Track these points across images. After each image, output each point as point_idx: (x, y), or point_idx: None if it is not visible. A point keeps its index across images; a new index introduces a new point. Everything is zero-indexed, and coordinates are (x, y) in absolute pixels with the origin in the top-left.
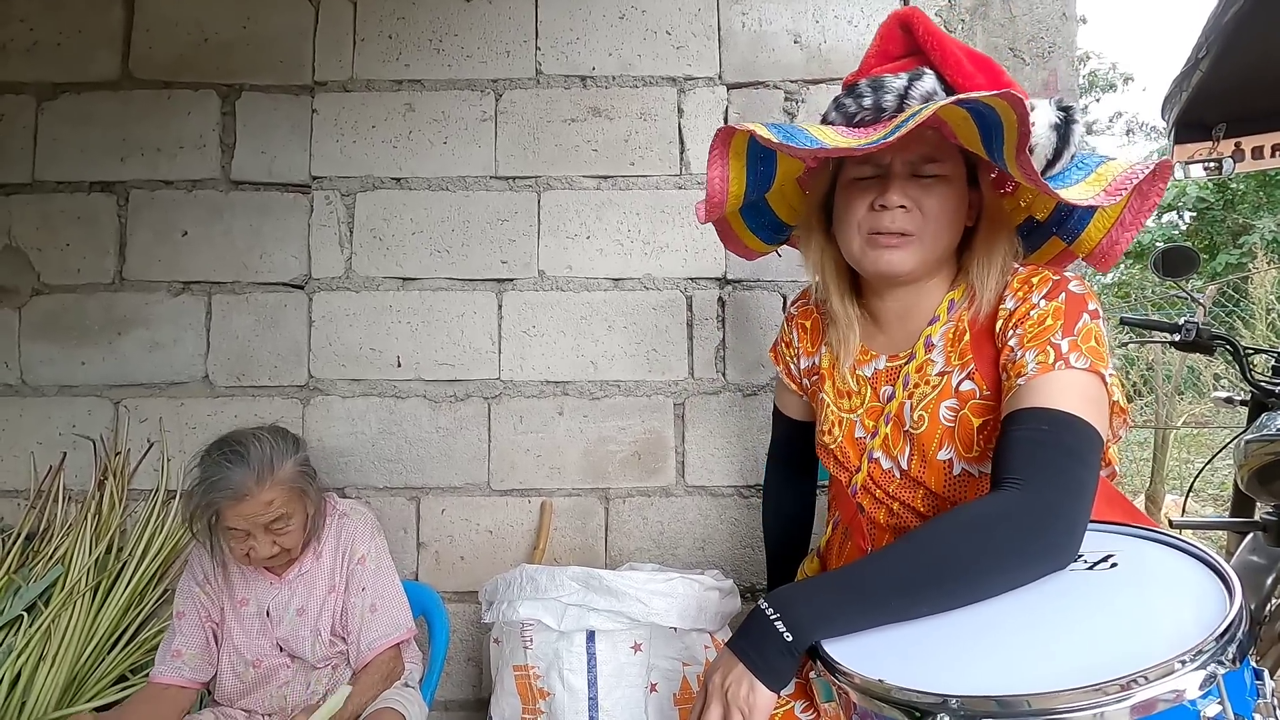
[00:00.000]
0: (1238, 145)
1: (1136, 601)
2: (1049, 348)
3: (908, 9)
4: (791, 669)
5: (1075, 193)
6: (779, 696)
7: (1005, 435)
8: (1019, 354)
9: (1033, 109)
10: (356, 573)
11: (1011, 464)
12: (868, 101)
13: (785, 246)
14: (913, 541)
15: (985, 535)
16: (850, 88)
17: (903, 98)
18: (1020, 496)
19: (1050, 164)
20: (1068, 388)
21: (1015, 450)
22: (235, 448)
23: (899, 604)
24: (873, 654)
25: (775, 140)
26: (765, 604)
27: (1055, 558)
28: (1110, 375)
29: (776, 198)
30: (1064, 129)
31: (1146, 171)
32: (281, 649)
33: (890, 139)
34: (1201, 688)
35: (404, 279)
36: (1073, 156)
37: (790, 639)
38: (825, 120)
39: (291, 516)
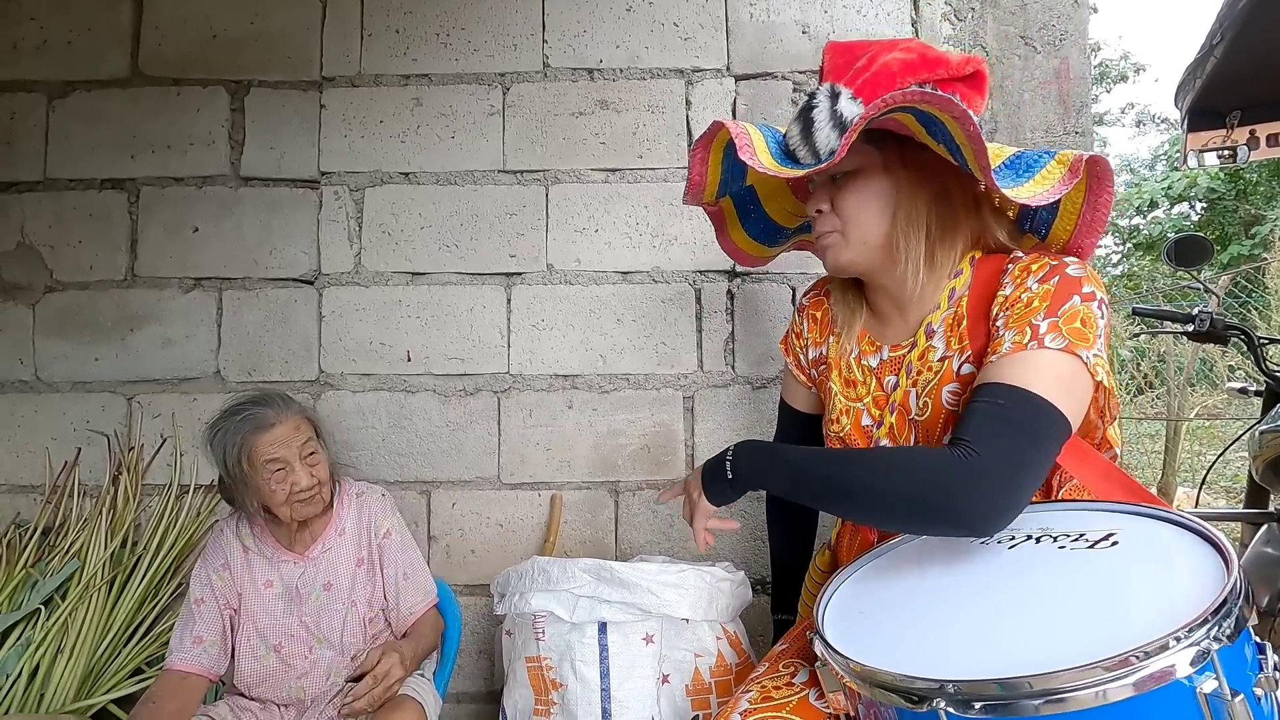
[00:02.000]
0: (1252, 132)
1: (1138, 579)
2: (1027, 328)
3: (829, 45)
4: (730, 496)
5: (1016, 191)
6: (714, 509)
7: (966, 405)
8: (1000, 333)
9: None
10: (385, 547)
11: (962, 428)
12: (794, 129)
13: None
14: (855, 454)
15: (907, 474)
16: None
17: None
18: (955, 455)
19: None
20: (1036, 366)
21: (969, 417)
22: (247, 397)
23: (814, 493)
24: (876, 641)
25: (738, 145)
26: (730, 450)
27: (974, 524)
28: (1093, 357)
29: (771, 203)
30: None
31: (1072, 177)
32: (308, 631)
33: (799, 172)
34: (1194, 663)
35: (413, 274)
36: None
37: (730, 478)
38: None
39: (318, 451)
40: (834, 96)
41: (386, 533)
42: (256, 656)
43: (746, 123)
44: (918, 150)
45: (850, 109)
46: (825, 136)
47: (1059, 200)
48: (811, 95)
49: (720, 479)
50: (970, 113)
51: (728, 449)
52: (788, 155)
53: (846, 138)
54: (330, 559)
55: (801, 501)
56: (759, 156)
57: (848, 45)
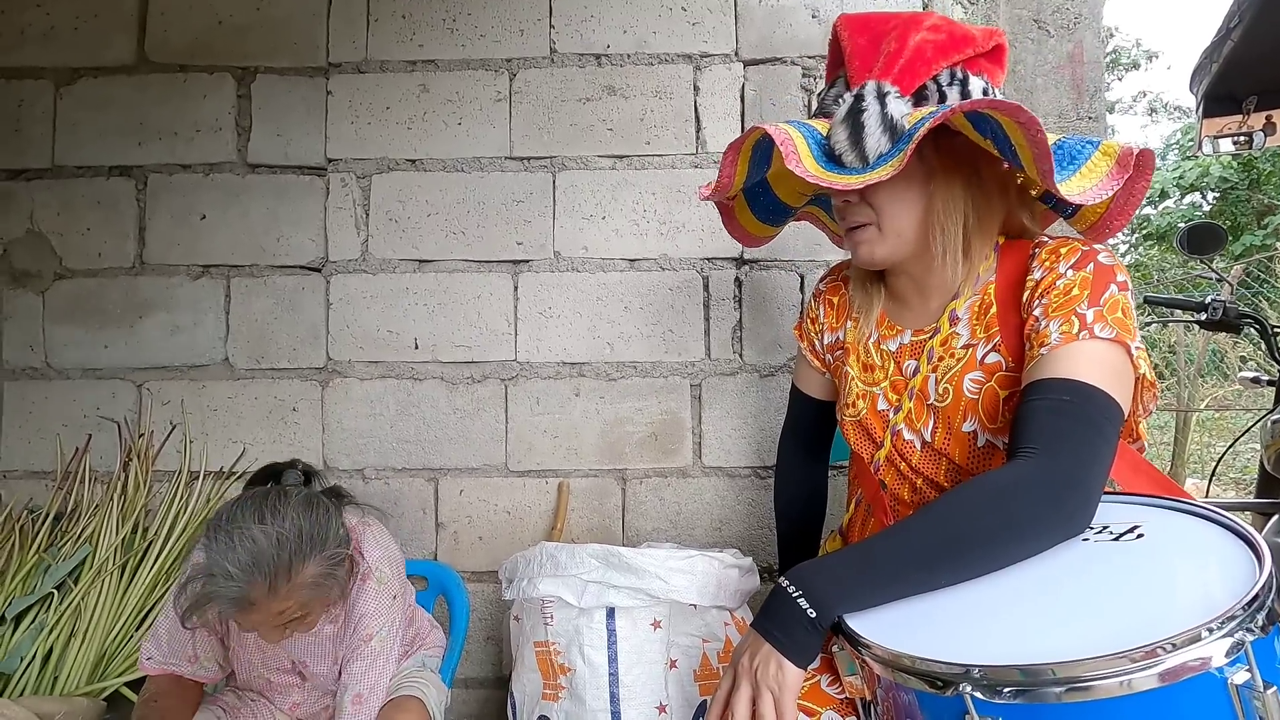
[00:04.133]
0: (1269, 118)
1: (1163, 570)
2: (1074, 317)
3: (841, 18)
4: (817, 645)
5: (1067, 187)
6: (806, 672)
7: (1025, 404)
8: (1043, 323)
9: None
10: (359, 651)
11: (1029, 433)
12: (842, 133)
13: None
14: (930, 513)
15: (1002, 505)
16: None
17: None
18: (1037, 465)
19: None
20: (1090, 358)
21: (1033, 420)
22: (247, 544)
23: (919, 576)
24: (895, 626)
25: (783, 153)
26: (787, 582)
27: (1070, 526)
28: (1137, 348)
29: (781, 185)
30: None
31: (1121, 172)
32: (294, 666)
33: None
34: (1228, 655)
35: (420, 261)
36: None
37: (814, 615)
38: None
39: (310, 613)
40: (882, 98)
41: (369, 636)
42: (252, 674)
43: (784, 124)
44: (950, 135)
45: (899, 109)
46: (875, 141)
47: None
48: (859, 97)
49: (798, 625)
50: (1038, 119)
51: (776, 590)
52: (830, 157)
53: (906, 151)
54: (318, 640)
55: (907, 595)
56: (804, 163)
57: (864, 19)
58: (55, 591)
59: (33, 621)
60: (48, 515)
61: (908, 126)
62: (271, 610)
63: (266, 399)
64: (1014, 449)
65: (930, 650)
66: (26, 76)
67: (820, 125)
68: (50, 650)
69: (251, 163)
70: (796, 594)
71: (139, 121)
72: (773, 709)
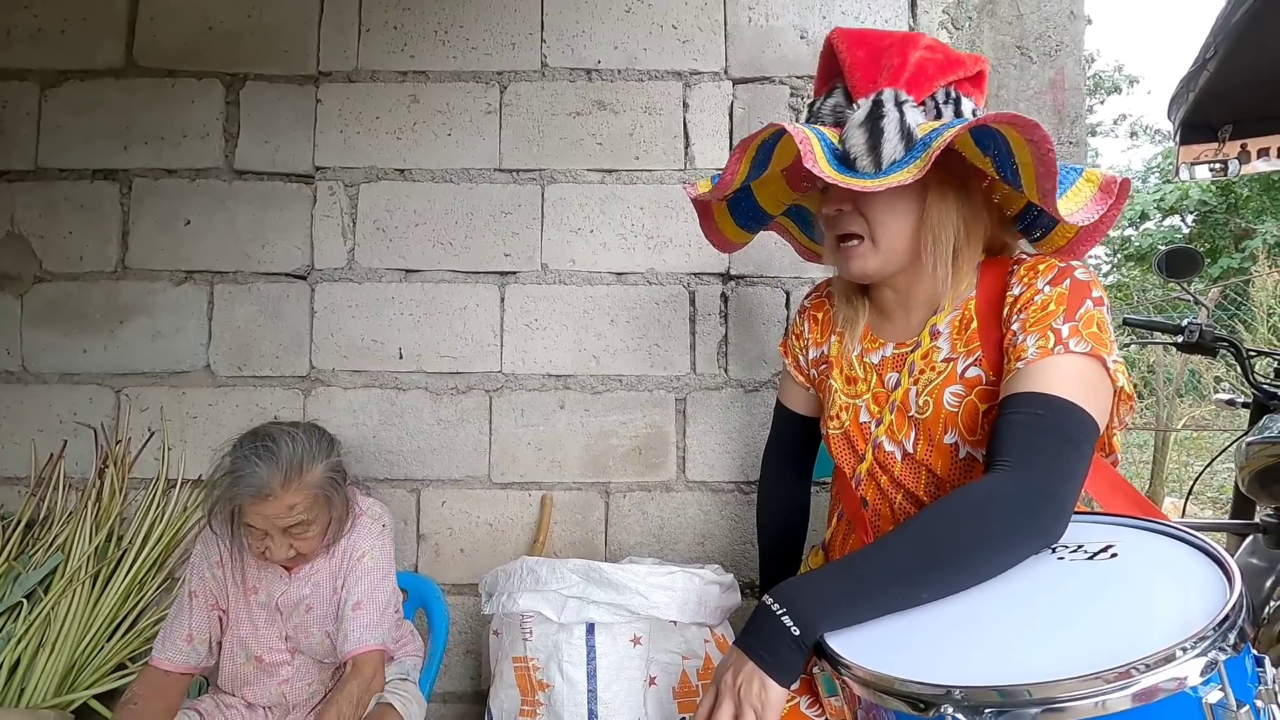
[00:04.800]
0: (1244, 147)
1: (1137, 590)
2: (1049, 332)
3: (835, 31)
4: (800, 663)
5: (1065, 205)
6: (789, 692)
7: (1000, 418)
8: (1021, 338)
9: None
10: (353, 569)
11: (1004, 447)
12: (859, 136)
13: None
14: (910, 528)
15: (979, 518)
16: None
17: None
18: (1012, 478)
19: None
20: (1065, 372)
21: (1009, 433)
22: (267, 443)
23: (901, 591)
24: (875, 646)
25: (802, 151)
26: (770, 600)
27: (1045, 537)
28: (1114, 361)
29: (763, 191)
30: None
31: (1105, 198)
32: (289, 643)
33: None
34: (1203, 674)
35: (406, 270)
36: (908, 142)
37: (798, 633)
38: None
39: (312, 523)
40: (900, 105)
41: (361, 555)
42: (237, 663)
43: (800, 125)
44: (945, 152)
45: (915, 118)
46: (892, 147)
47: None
48: (878, 103)
49: (782, 643)
50: (1049, 136)
51: (760, 608)
52: (841, 160)
53: (928, 156)
54: (316, 579)
55: (890, 611)
56: (820, 164)
57: (860, 34)
58: (25, 601)
59: (0, 631)
60: (19, 522)
61: (920, 136)
62: (284, 503)
63: (248, 406)
64: (990, 462)
65: (911, 671)
66: (11, 78)
67: (828, 132)
68: (18, 661)
69: (238, 169)
70: (781, 612)
71: (125, 125)
72: (752, 710)
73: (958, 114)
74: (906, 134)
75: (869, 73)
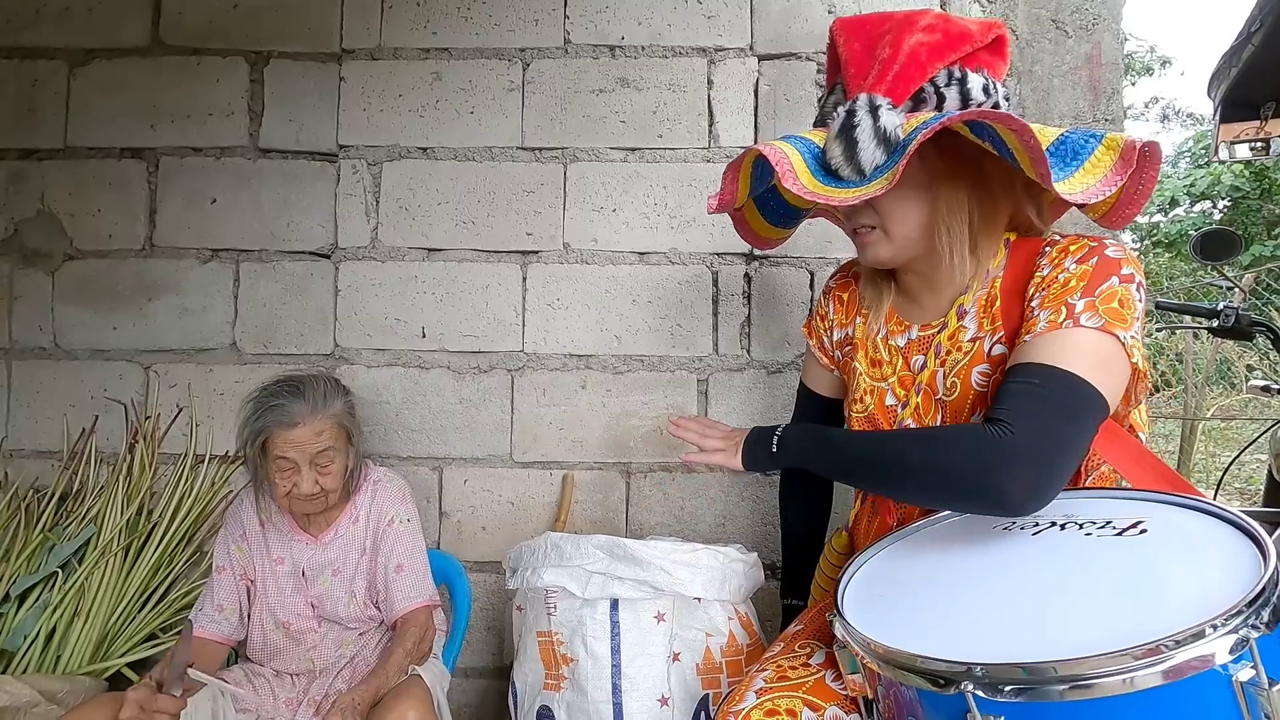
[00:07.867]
0: None
1: (1167, 567)
2: (1063, 307)
3: (836, 22)
4: (764, 467)
5: (1068, 186)
6: (740, 469)
7: (1002, 384)
8: (1035, 313)
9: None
10: (385, 534)
11: (997, 407)
12: (836, 149)
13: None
14: (889, 436)
15: (944, 450)
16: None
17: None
18: (991, 431)
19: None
20: (1072, 345)
21: (1004, 398)
22: (292, 381)
23: (859, 475)
24: (897, 623)
25: (779, 172)
26: (780, 428)
27: (1004, 500)
28: (1130, 338)
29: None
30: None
31: (1125, 167)
32: (315, 610)
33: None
34: (1233, 652)
35: (429, 249)
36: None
37: (775, 451)
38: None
39: (336, 455)
40: (874, 110)
41: (390, 521)
42: (265, 631)
43: (778, 141)
44: (952, 134)
45: (891, 121)
46: (870, 155)
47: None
48: (851, 111)
49: (764, 449)
50: (1029, 125)
51: (776, 427)
52: (827, 171)
53: (898, 166)
54: (341, 545)
55: (845, 482)
56: (801, 180)
57: (859, 23)
58: (59, 571)
59: (36, 600)
60: (53, 495)
61: (902, 136)
62: (312, 429)
63: None
64: (986, 417)
65: (932, 648)
66: (40, 57)
67: (818, 136)
68: (53, 629)
69: (263, 147)
70: (777, 434)
71: (152, 104)
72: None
73: (963, 94)
74: (884, 138)
75: (861, 68)
